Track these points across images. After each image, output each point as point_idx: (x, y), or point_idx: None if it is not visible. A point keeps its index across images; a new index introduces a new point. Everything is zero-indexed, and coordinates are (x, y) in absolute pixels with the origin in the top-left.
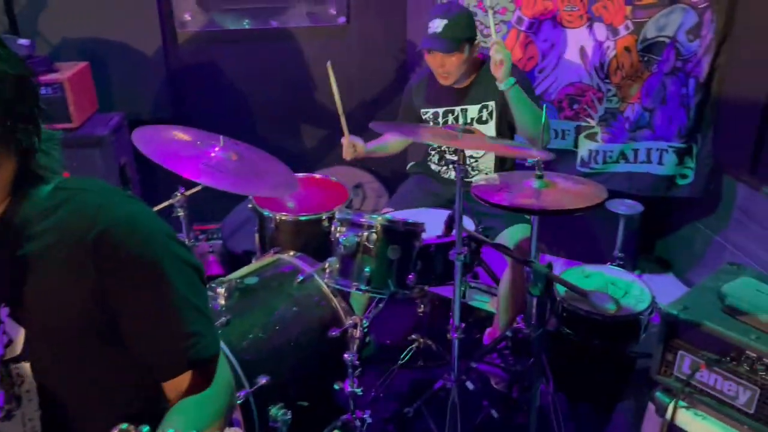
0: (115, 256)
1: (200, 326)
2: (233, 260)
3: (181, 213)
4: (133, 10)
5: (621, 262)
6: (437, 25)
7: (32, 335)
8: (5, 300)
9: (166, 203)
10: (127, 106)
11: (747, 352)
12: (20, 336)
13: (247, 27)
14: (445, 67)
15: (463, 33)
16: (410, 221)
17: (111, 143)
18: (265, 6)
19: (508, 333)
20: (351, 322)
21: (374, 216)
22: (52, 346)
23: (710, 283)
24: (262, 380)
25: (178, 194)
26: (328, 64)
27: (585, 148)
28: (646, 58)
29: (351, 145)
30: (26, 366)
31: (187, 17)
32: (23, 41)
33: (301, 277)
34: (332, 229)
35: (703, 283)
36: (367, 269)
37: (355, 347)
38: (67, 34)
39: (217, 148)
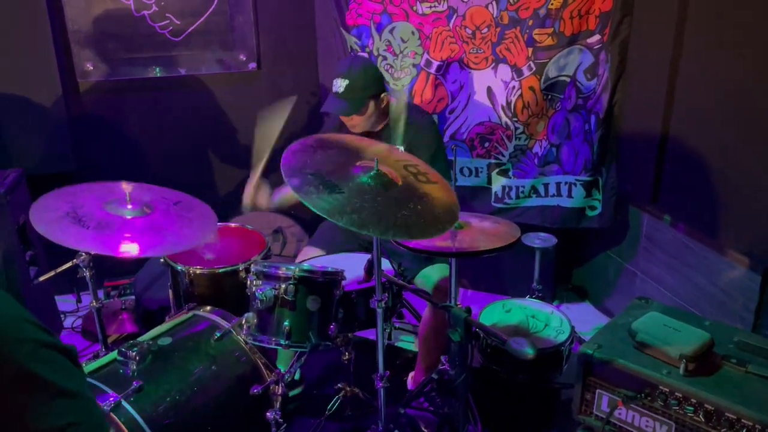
0: None
1: (75, 414)
2: (148, 316)
3: (87, 273)
4: (29, 61)
5: (540, 294)
6: (339, 85)
7: None
8: None
9: (69, 264)
10: (25, 161)
11: (660, 387)
12: None
13: (157, 75)
14: (351, 122)
15: (364, 92)
16: (329, 269)
17: (7, 203)
18: (173, 54)
19: (434, 375)
20: (273, 378)
21: (291, 267)
22: None
23: (621, 320)
24: None
25: (83, 253)
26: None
27: (498, 184)
28: (549, 97)
29: (257, 187)
30: None
31: (89, 67)
32: None
33: (218, 334)
34: (248, 282)
35: (615, 320)
36: (286, 323)
37: (278, 404)
38: None
39: (129, 207)
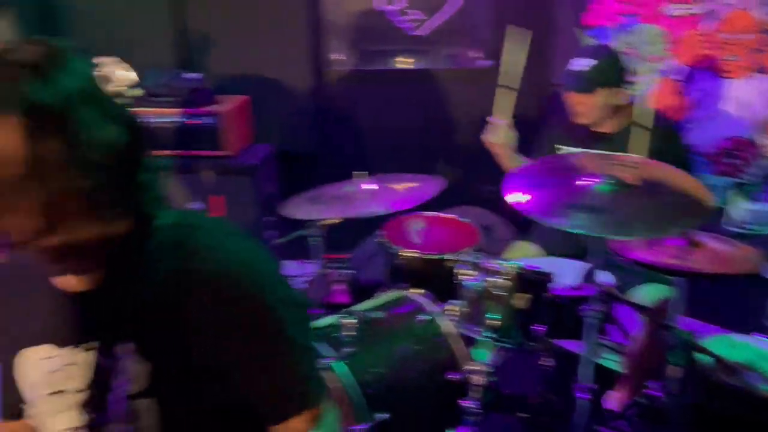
0: (227, 301)
1: (310, 368)
2: (359, 291)
3: (315, 242)
4: (288, 50)
5: None
6: (579, 64)
7: (155, 372)
8: (128, 336)
9: (301, 232)
10: (275, 138)
11: None
12: (143, 372)
13: (395, 68)
14: (579, 107)
15: (599, 75)
16: (542, 270)
17: (260, 173)
18: (413, 48)
19: (641, 399)
20: (472, 367)
21: (503, 262)
22: (172, 383)
23: None
24: (383, 417)
25: (315, 224)
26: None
27: (739, 206)
28: None
29: (504, 128)
30: (147, 402)
31: (337, 56)
32: (192, 75)
33: (424, 317)
34: (458, 272)
35: None
36: (492, 316)
37: (475, 394)
38: (231, 71)
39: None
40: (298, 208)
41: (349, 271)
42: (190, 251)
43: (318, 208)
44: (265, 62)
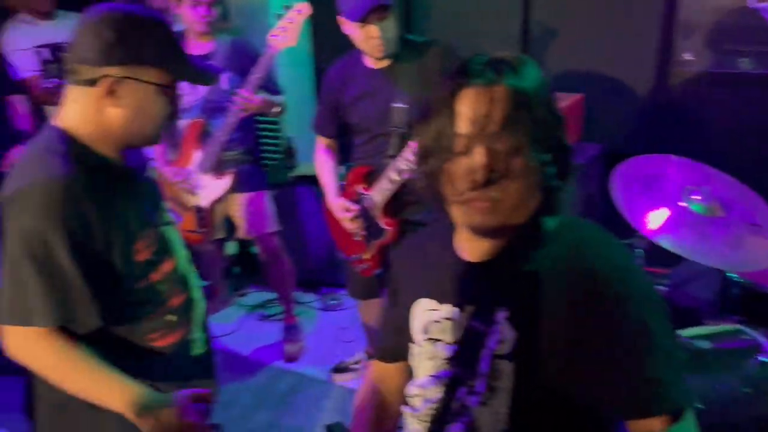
0: (605, 295)
1: (676, 373)
2: (673, 312)
3: (637, 252)
4: (633, 48)
5: None
6: None
7: (522, 341)
8: (506, 305)
9: (625, 241)
10: (606, 139)
11: None
12: (511, 338)
13: (748, 70)
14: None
15: None
16: None
17: (585, 172)
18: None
19: None
20: None
21: None
22: (536, 355)
23: None
24: None
25: (638, 237)
26: None
27: None
28: None
29: None
30: (509, 365)
31: (688, 57)
32: None
33: (763, 358)
34: None
35: None
36: None
37: None
38: (569, 67)
39: (697, 197)
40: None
41: (665, 288)
42: (585, 243)
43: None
44: (606, 60)
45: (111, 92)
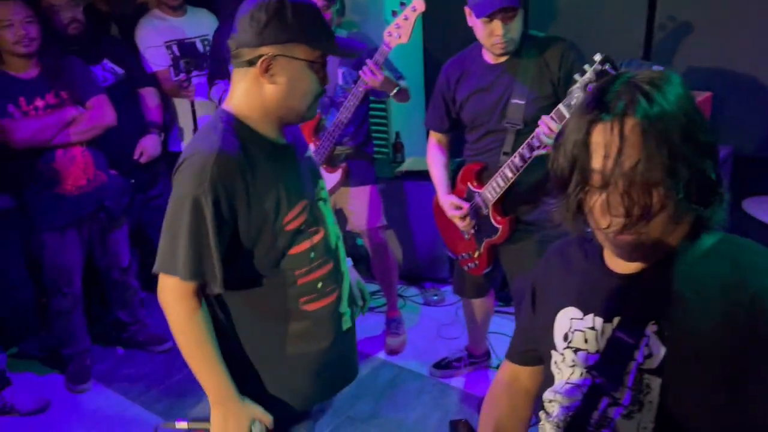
0: (765, 320)
1: None
2: None
3: None
4: (763, 43)
5: None
6: None
7: (672, 357)
8: (656, 319)
9: None
10: (736, 140)
11: None
12: (660, 353)
13: None
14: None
15: None
16: None
17: None
18: None
19: None
20: None
21: None
22: (686, 372)
23: None
24: None
25: None
26: None
27: None
28: None
29: None
30: (657, 380)
31: None
32: (657, 67)
33: None
34: None
35: None
36: None
37: None
38: (695, 64)
39: None
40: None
41: None
42: (743, 263)
43: None
44: (736, 56)
45: (266, 70)
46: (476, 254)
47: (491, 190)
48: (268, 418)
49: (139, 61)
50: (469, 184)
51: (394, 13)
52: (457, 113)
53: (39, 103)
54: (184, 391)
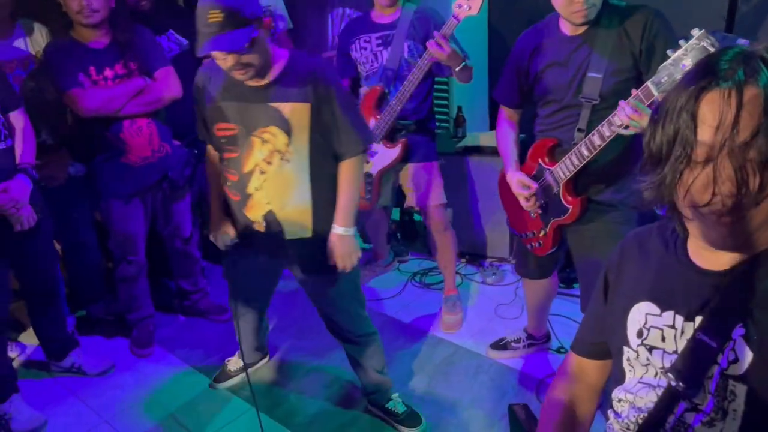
0: None
1: None
2: None
3: None
4: None
5: None
6: None
7: (759, 363)
8: (744, 322)
9: None
10: None
11: None
12: (747, 359)
13: None
14: None
15: None
16: None
17: None
18: None
19: None
20: None
21: None
22: None
23: None
24: None
25: None
26: None
27: None
28: None
29: None
30: (743, 387)
31: None
32: (742, 41)
33: None
34: None
35: None
36: None
37: None
38: None
39: None
40: None
41: None
42: None
43: None
44: None
45: None
46: (542, 233)
47: (564, 169)
48: None
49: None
50: (540, 160)
51: None
52: (530, 87)
53: (108, 73)
54: None
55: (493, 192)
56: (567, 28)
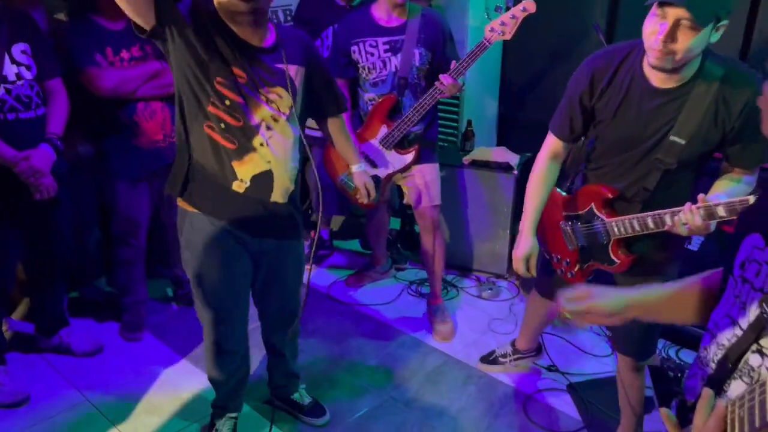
0: None
1: None
2: None
3: None
4: None
5: None
6: None
7: None
8: None
9: None
10: None
11: None
12: None
13: None
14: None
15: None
16: None
17: None
18: None
19: None
20: None
21: None
22: None
23: None
24: None
25: None
26: None
27: None
28: None
29: None
30: None
31: None
32: None
33: None
34: None
35: None
36: None
37: None
38: None
39: None
40: None
41: None
42: None
43: None
44: None
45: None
46: (576, 267)
47: (621, 227)
48: None
49: None
50: (593, 205)
51: (498, 9)
52: (593, 125)
53: (124, 54)
54: None
55: (491, 207)
56: (654, 78)
